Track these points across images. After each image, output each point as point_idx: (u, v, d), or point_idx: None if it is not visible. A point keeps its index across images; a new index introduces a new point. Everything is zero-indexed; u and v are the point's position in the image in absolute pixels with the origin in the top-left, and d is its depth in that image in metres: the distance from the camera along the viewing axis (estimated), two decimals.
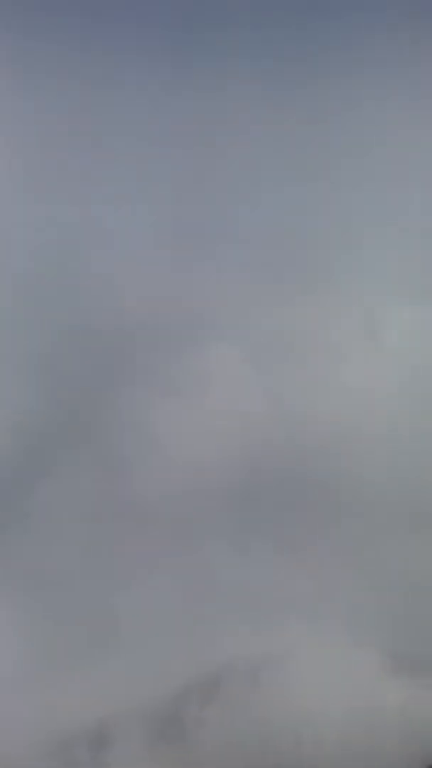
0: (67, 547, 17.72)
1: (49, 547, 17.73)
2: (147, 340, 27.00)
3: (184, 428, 22.97)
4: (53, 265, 28.57)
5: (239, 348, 26.29)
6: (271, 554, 15.49)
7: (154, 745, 11.96)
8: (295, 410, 23.38)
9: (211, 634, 13.09)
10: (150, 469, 20.92)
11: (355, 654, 13.51)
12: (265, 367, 25.53)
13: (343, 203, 29.48)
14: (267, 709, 12.03)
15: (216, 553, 15.72)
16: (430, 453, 19.62)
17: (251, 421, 23.21)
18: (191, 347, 26.58)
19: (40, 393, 25.68)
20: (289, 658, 13.45)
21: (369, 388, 23.49)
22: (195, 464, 21.32)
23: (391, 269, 26.33)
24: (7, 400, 24.93)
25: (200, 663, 12.57)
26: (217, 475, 20.73)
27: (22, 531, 18.71)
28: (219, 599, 14.11)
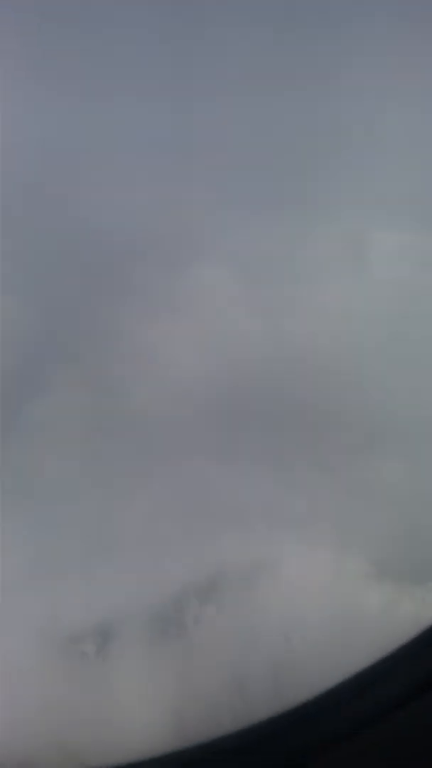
0: (64, 461, 18.22)
1: (46, 461, 18.22)
2: (141, 258, 26.83)
3: (177, 346, 23.20)
4: (50, 176, 27.95)
5: (230, 269, 26.26)
6: (262, 469, 16.14)
7: (156, 642, 12.79)
8: (284, 330, 23.68)
9: (205, 543, 13.81)
10: (143, 386, 21.28)
11: (341, 561, 14.34)
12: (256, 288, 25.61)
13: (340, 123, 28.86)
14: (259, 611, 12.87)
15: (208, 468, 16.32)
16: (414, 373, 20.19)
17: (242, 340, 23.49)
18: (184, 266, 26.53)
19: (33, 307, 25.65)
20: (278, 564, 14.25)
21: (355, 309, 23.83)
22: (188, 382, 21.70)
23: (383, 193, 26.20)
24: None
25: (196, 569, 13.32)
26: (209, 393, 21.17)
27: (19, 444, 19.15)
28: (212, 511, 14.79)
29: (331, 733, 4.22)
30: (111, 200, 28.50)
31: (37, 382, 20.18)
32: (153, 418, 20.04)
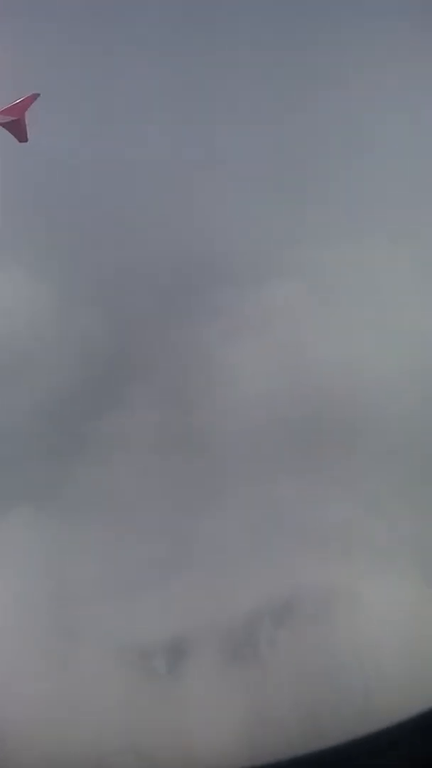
0: (137, 476, 18.37)
1: (120, 475, 18.42)
2: (210, 276, 27.07)
3: (249, 364, 23.18)
4: (128, 196, 28.63)
5: (301, 285, 26.17)
6: (338, 491, 15.80)
7: (228, 662, 12.62)
8: (360, 349, 23.37)
9: (281, 565, 13.59)
10: (216, 403, 21.29)
11: (420, 591, 13.84)
12: (328, 305, 25.42)
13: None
14: (333, 638, 12.54)
15: (283, 487, 16.11)
16: None
17: (316, 358, 23.27)
18: (254, 283, 26.59)
19: (106, 325, 26.17)
20: (355, 591, 13.87)
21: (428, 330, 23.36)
22: (264, 400, 21.63)
23: None
24: (74, 331, 25.53)
25: (270, 590, 13.11)
26: (283, 411, 21.02)
27: (94, 458, 19.45)
28: (287, 532, 14.56)
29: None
30: (188, 220, 28.93)
31: (112, 398, 20.49)
32: (229, 435, 19.99)
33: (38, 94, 14.53)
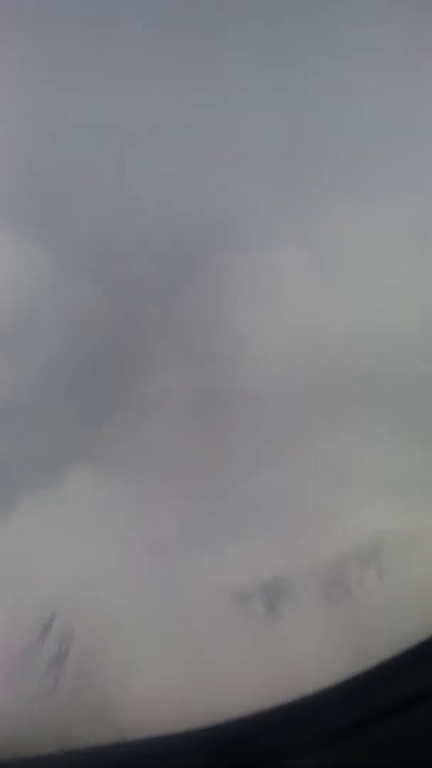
0: (184, 434, 18.54)
1: (169, 434, 18.54)
2: (217, 242, 27.18)
3: (266, 326, 23.50)
4: (127, 166, 28.32)
5: (304, 251, 26.59)
6: (396, 440, 16.39)
7: (322, 602, 13.08)
8: (359, 309, 24.06)
9: (360, 512, 14.10)
10: (242, 363, 21.59)
11: None
12: (330, 270, 25.97)
13: (403, 112, 29.22)
14: (420, 578, 13.13)
15: (342, 440, 16.59)
16: None
17: (326, 319, 23.82)
18: (261, 249, 26.86)
19: (125, 293, 26.02)
20: None
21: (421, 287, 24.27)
22: (282, 359, 22.02)
23: None
24: (81, 298, 25.35)
25: (355, 535, 13.62)
26: (305, 368, 21.50)
27: (136, 419, 19.49)
28: (359, 481, 15.07)
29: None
30: (175, 184, 28.82)
31: (142, 362, 20.52)
32: (258, 395, 20.33)
33: None
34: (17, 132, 29.17)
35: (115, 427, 19.05)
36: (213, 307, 24.96)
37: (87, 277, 26.54)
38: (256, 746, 4.14)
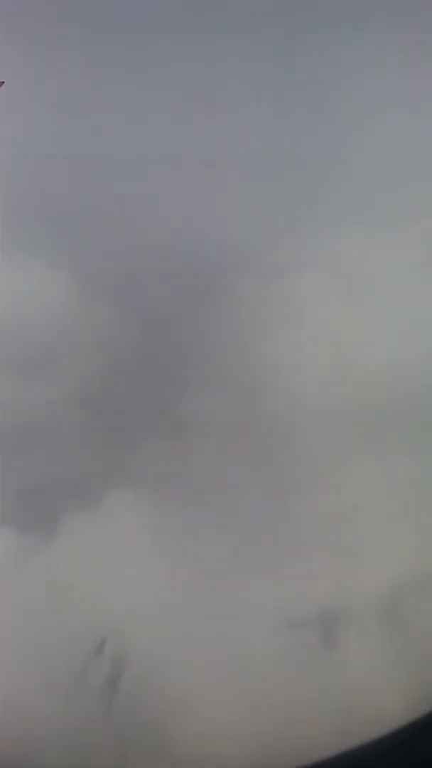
0: (221, 458, 18.30)
1: (205, 458, 18.29)
2: (239, 269, 27.29)
3: (295, 352, 23.46)
4: (155, 192, 28.56)
5: (329, 278, 26.73)
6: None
7: (379, 632, 12.70)
8: (388, 335, 24.07)
9: (416, 539, 13.78)
10: (273, 389, 21.45)
11: None
12: (354, 296, 26.06)
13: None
14: None
15: (385, 464, 16.35)
16: None
17: (353, 345, 23.80)
18: (283, 276, 26.94)
19: (148, 317, 26.00)
20: None
21: None
22: (313, 384, 21.93)
23: None
24: (118, 324, 25.37)
25: (413, 563, 13.27)
26: (335, 393, 21.37)
27: (172, 442, 19.26)
28: (412, 507, 14.78)
29: None
30: (201, 212, 29.02)
31: (179, 384, 20.37)
32: (291, 419, 20.13)
33: (2, 82, 13.93)
34: (43, 159, 29.50)
35: (152, 449, 18.82)
36: (240, 333, 24.91)
37: (110, 301, 26.60)
38: None
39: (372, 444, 18.00)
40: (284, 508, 15.65)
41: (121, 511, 15.41)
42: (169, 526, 14.92)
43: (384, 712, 11.64)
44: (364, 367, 22.60)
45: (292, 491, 16.29)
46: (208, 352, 22.78)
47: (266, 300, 25.77)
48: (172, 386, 21.16)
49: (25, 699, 11.53)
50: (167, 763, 11.03)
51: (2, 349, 22.41)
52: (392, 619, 13.13)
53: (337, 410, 20.67)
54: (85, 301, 25.47)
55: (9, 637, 12.17)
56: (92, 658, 12.47)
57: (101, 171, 29.34)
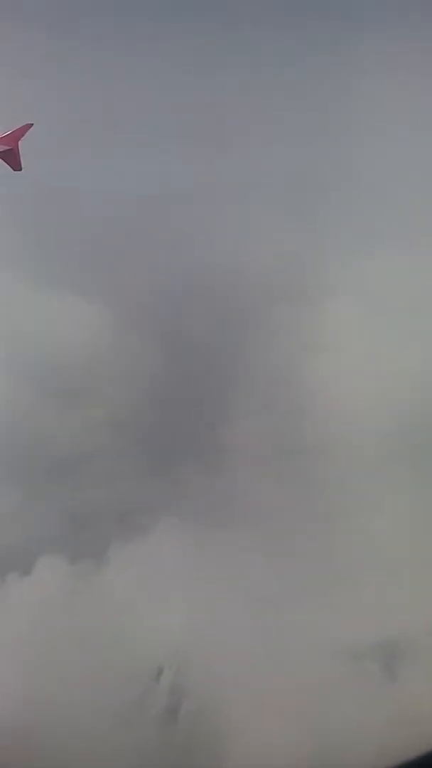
0: (266, 485, 18.25)
1: (249, 485, 18.24)
2: (278, 297, 27.44)
3: (335, 377, 23.41)
4: (180, 220, 29.01)
5: (360, 302, 26.70)
6: None
7: None
8: (423, 357, 23.92)
9: None
10: (314, 415, 21.39)
11: None
12: (387, 318, 25.98)
13: None
14: None
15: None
16: None
17: (390, 368, 23.69)
18: (319, 302, 26.97)
19: (182, 347, 26.18)
20: None
21: None
22: (355, 410, 21.79)
23: None
24: (153, 353, 25.58)
25: None
26: (375, 418, 21.23)
27: (213, 469, 19.23)
28: None
29: None
30: (228, 238, 29.28)
31: (223, 411, 20.43)
32: (329, 444, 20.01)
33: (32, 124, 14.84)
34: (76, 195, 30.16)
35: (193, 476, 18.83)
36: (277, 359, 24.91)
37: (145, 331, 26.84)
38: None
39: (416, 468, 17.81)
40: (330, 535, 15.49)
41: (169, 538, 15.38)
42: (216, 553, 14.84)
43: None
44: (402, 390, 22.47)
45: (336, 517, 16.14)
46: (245, 380, 22.84)
47: (301, 325, 25.80)
48: (211, 414, 21.21)
49: (83, 725, 11.45)
50: None
51: (42, 379, 22.70)
52: None
53: (377, 434, 20.54)
54: (121, 332, 25.72)
55: (64, 664, 12.14)
56: (150, 686, 12.36)
57: (133, 206, 29.84)
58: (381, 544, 14.90)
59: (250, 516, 16.55)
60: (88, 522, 17.16)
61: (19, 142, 14.61)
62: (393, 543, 15.00)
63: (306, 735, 11.60)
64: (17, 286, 26.00)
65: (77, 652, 12.53)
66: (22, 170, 14.64)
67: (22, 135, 14.75)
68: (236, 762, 11.17)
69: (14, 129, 14.78)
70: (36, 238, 28.37)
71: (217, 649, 12.28)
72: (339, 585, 14.10)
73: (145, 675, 12.53)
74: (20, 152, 14.58)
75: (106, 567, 14.85)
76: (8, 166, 14.64)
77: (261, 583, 14.02)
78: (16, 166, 14.55)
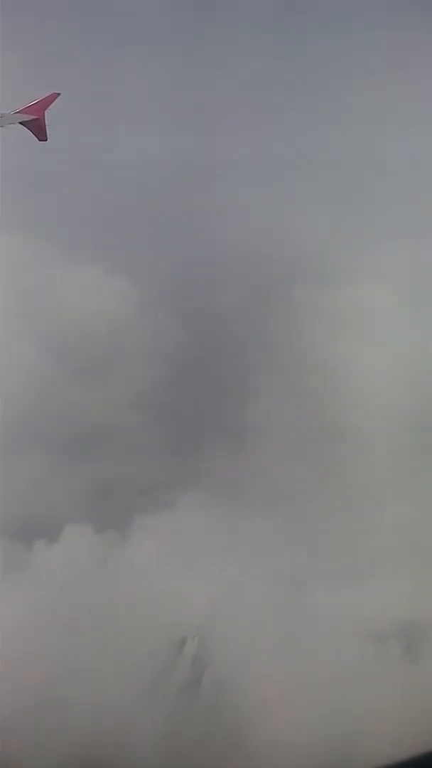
0: (292, 465, 18.17)
1: (274, 465, 18.18)
2: (306, 279, 27.18)
3: (364, 360, 23.22)
4: (212, 201, 28.80)
5: (388, 287, 26.44)
6: None
7: None
8: None
9: None
10: (341, 398, 21.23)
11: None
12: (414, 305, 25.74)
13: None
14: None
15: None
16: None
17: (416, 353, 23.48)
18: (348, 285, 26.72)
19: (208, 324, 26.03)
20: None
21: None
22: (382, 393, 21.64)
23: None
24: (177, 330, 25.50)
25: None
26: (401, 401, 21.05)
27: (238, 447, 19.18)
28: None
29: None
30: (266, 225, 28.96)
31: (251, 392, 20.34)
32: (358, 427, 19.85)
33: (58, 94, 14.51)
34: (103, 167, 29.92)
35: (218, 454, 18.78)
36: (304, 341, 24.71)
37: (170, 308, 26.73)
38: None
39: None
40: (355, 517, 15.41)
41: (192, 513, 15.36)
42: (240, 531, 14.80)
43: None
44: (428, 374, 22.28)
45: (362, 500, 16.04)
46: (271, 361, 22.68)
47: (328, 308, 25.57)
48: (235, 393, 21.10)
49: (106, 694, 11.50)
50: (245, 763, 10.86)
51: (68, 351, 22.69)
52: None
53: (403, 418, 20.38)
54: (147, 307, 25.62)
55: (89, 632, 12.18)
56: (173, 656, 12.39)
57: (162, 178, 29.58)
58: (406, 526, 14.79)
59: (274, 495, 16.49)
60: (112, 494, 17.19)
61: (45, 112, 14.43)
62: (418, 525, 14.90)
63: (327, 712, 11.60)
64: (44, 258, 25.98)
65: (102, 620, 12.56)
66: (48, 140, 14.45)
67: (49, 104, 14.52)
68: (256, 735, 11.18)
69: (40, 98, 14.58)
70: (63, 210, 28.31)
71: (240, 623, 12.30)
72: (363, 566, 14.04)
73: (169, 645, 12.54)
74: (46, 122, 14.41)
75: (131, 538, 14.86)
76: (34, 136, 14.45)
77: (285, 560, 13.98)
78: (42, 135, 14.33)
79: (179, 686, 12.24)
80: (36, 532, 15.23)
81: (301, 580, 13.68)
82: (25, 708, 11.23)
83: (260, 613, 12.75)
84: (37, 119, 14.21)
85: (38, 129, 14.21)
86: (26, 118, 14.16)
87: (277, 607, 12.86)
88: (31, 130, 14.30)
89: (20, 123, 14.15)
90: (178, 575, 13.63)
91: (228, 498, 16.57)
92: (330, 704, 11.86)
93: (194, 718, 11.82)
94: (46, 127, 14.29)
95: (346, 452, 18.27)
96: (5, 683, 11.17)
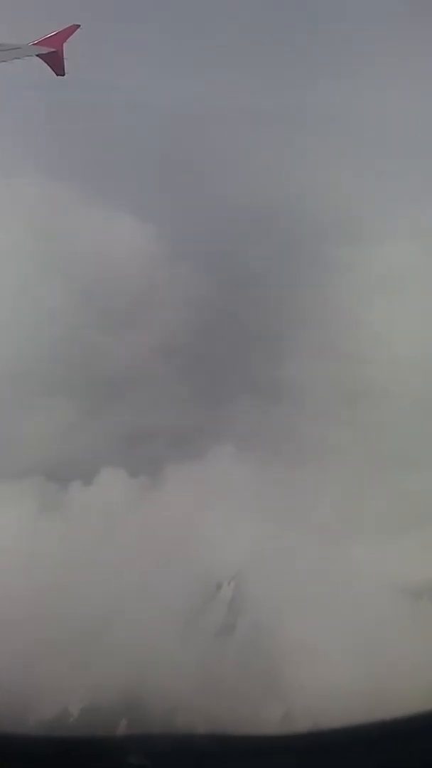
0: (322, 423, 18.01)
1: (308, 420, 18.01)
2: (340, 237, 26.67)
3: (394, 321, 22.86)
4: (242, 158, 28.06)
5: (421, 247, 25.89)
6: None
7: None
8: None
9: None
10: (371, 358, 20.94)
11: None
12: None
13: None
14: None
15: None
16: None
17: None
18: (381, 245, 26.18)
19: (238, 278, 25.62)
20: None
21: None
22: (411, 354, 21.25)
23: None
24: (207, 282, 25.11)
25: None
26: None
27: (267, 403, 19.02)
28: None
29: None
30: (301, 181, 28.21)
31: (287, 348, 20.06)
32: (388, 390, 19.57)
33: (78, 26, 13.43)
34: (135, 117, 29.13)
35: (248, 408, 18.62)
36: (337, 300, 24.32)
37: (200, 259, 26.27)
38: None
39: None
40: (387, 477, 15.27)
41: (223, 464, 15.27)
42: (272, 483, 14.73)
43: None
44: None
45: (394, 460, 15.89)
46: (303, 318, 22.36)
47: (361, 268, 25.14)
48: (267, 349, 20.85)
49: (142, 636, 11.58)
50: (279, 708, 10.97)
51: (98, 298, 22.44)
52: None
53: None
54: (178, 258, 25.22)
55: (125, 573, 12.21)
56: (209, 599, 12.43)
57: (197, 129, 28.80)
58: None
59: (305, 451, 16.38)
60: (143, 441, 17.12)
61: (64, 45, 13.47)
62: None
63: (361, 657, 11.65)
64: (72, 201, 25.50)
65: (137, 561, 12.58)
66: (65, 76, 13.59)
67: (68, 37, 13.54)
68: (291, 676, 11.26)
69: (59, 30, 13.56)
70: (87, 150, 27.63)
71: (275, 569, 12.28)
72: (399, 523, 13.95)
73: (205, 589, 12.58)
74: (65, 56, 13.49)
75: (164, 485, 14.83)
76: (51, 71, 13.56)
77: (317, 513, 13.93)
78: (60, 70, 13.43)
79: (215, 628, 12.29)
80: (71, 473, 15.24)
81: (335, 533, 13.65)
82: (64, 640, 11.33)
83: (295, 561, 12.74)
84: (54, 52, 13.40)
85: (56, 63, 13.39)
86: (44, 50, 13.32)
87: (311, 557, 12.84)
88: (48, 64, 13.51)
89: (37, 56, 13.35)
90: (212, 522, 13.61)
91: (258, 451, 16.47)
92: (364, 649, 11.92)
93: (230, 658, 11.89)
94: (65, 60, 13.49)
95: (378, 413, 18.07)
96: (44, 615, 11.26)
